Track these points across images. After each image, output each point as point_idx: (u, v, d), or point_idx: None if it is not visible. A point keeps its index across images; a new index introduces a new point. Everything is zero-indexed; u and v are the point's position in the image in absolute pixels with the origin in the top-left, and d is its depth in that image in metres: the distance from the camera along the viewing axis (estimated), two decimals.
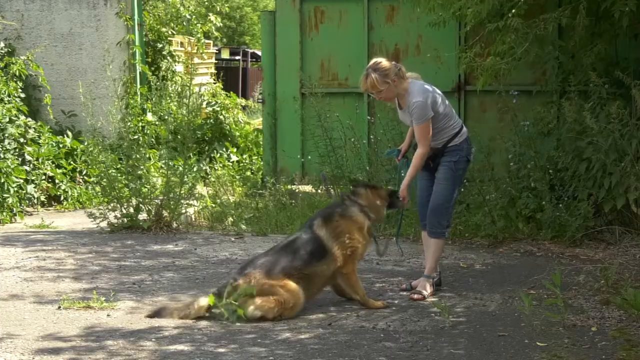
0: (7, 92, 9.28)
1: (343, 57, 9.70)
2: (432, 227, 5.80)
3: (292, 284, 5.18)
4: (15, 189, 8.71)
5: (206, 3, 14.85)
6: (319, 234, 5.40)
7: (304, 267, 5.28)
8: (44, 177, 9.42)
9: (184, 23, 13.02)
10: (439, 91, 5.81)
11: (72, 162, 9.88)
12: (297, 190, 9.44)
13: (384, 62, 5.68)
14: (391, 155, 6.45)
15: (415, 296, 5.67)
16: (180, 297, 5.66)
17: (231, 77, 21.71)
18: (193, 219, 9.03)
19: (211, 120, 12.48)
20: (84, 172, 9.85)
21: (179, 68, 12.92)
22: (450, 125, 5.74)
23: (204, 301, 5.15)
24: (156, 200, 8.19)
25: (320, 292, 5.51)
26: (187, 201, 8.32)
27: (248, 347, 4.67)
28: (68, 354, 4.55)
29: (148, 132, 10.31)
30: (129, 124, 9.38)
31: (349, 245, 5.41)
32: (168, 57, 12.27)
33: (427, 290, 5.73)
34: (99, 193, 8.71)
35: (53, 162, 9.61)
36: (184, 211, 8.33)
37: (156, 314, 5.20)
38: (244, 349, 4.63)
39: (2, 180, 8.54)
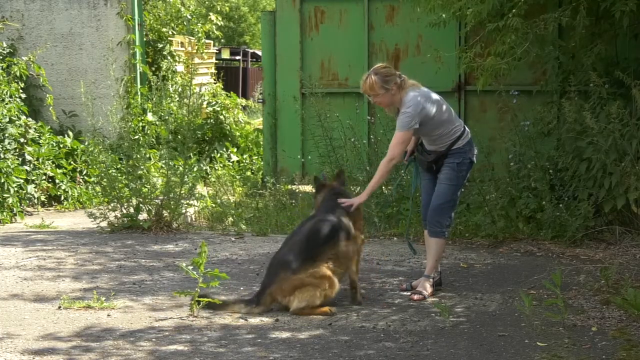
0: (9, 93, 9.29)
1: (343, 57, 9.71)
2: (432, 226, 5.81)
3: (322, 269, 5.29)
4: (16, 189, 8.71)
5: (206, 3, 14.86)
6: (343, 219, 5.52)
7: (335, 248, 5.43)
8: (44, 177, 9.42)
9: (185, 23, 13.03)
10: (437, 97, 5.77)
11: (72, 162, 9.88)
12: (297, 190, 9.44)
13: (388, 69, 5.72)
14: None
15: (416, 297, 5.67)
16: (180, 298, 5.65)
17: (231, 77, 21.74)
18: (193, 219, 9.03)
19: (211, 120, 12.49)
20: (84, 172, 9.85)
21: (180, 68, 12.93)
22: (451, 130, 5.73)
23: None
24: (156, 200, 8.19)
25: (344, 274, 5.59)
26: (187, 201, 8.31)
27: (247, 347, 4.67)
28: (68, 353, 4.55)
29: (148, 132, 10.31)
30: (129, 124, 9.38)
31: (363, 229, 5.79)
32: (168, 57, 12.28)
33: (428, 290, 5.73)
34: (99, 193, 8.71)
35: (53, 162, 9.61)
36: (184, 211, 8.33)
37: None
38: (243, 349, 4.64)
39: (2, 180, 8.54)
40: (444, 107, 5.76)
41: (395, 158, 5.68)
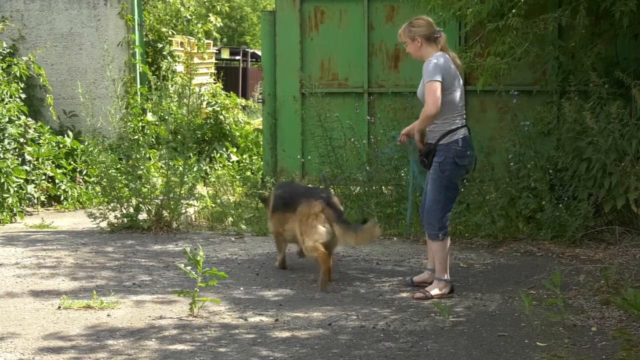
0: (9, 93, 9.29)
1: (343, 57, 9.70)
2: (426, 228, 5.82)
3: None
4: (15, 189, 8.71)
5: (206, 3, 14.86)
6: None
7: None
8: (44, 177, 9.42)
9: (184, 23, 13.03)
10: (460, 80, 5.76)
11: (72, 162, 9.88)
12: None
13: (422, 21, 5.77)
14: (395, 140, 6.48)
15: (417, 294, 5.67)
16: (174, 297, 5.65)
17: (231, 77, 21.74)
18: (193, 219, 9.03)
19: (211, 120, 12.48)
20: (84, 172, 9.86)
21: (179, 68, 12.93)
22: (449, 117, 5.64)
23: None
24: (156, 200, 8.19)
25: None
26: (187, 201, 8.32)
27: (248, 346, 4.67)
28: (68, 353, 4.55)
29: (148, 132, 10.31)
30: (129, 124, 9.37)
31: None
32: (168, 57, 12.28)
33: (436, 291, 5.69)
34: (99, 193, 8.71)
35: (53, 162, 9.61)
36: (184, 211, 8.33)
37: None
38: (244, 348, 4.64)
39: (2, 180, 8.54)
40: (460, 90, 5.74)
41: (432, 108, 5.53)
